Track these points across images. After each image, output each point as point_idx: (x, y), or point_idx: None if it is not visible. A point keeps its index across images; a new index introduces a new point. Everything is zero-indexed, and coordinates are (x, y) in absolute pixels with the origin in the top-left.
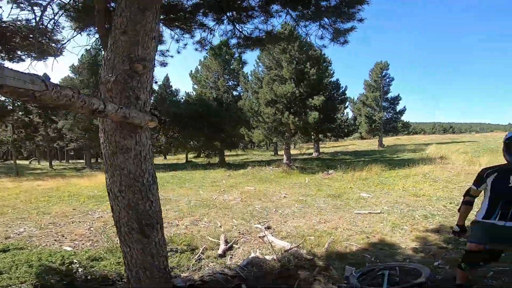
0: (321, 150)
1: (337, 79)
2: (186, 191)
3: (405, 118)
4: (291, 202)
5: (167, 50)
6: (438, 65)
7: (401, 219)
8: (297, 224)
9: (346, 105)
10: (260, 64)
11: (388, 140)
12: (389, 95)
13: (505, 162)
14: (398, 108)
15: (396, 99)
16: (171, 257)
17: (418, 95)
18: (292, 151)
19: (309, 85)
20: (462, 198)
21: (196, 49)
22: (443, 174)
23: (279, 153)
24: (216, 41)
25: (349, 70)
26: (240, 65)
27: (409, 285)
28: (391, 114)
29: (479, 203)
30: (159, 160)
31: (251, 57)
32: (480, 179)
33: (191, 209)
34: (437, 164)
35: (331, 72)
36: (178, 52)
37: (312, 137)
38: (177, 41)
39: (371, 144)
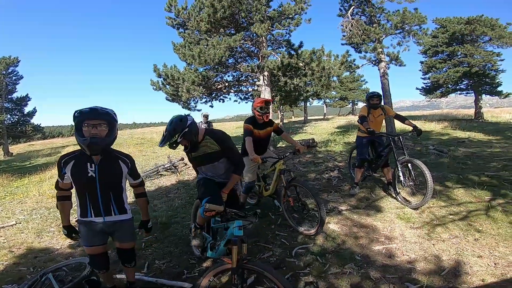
0: None
1: None
2: None
3: (38, 121)
4: None
5: None
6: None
7: (45, 223)
8: None
9: None
10: None
11: (19, 147)
12: (14, 95)
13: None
14: (27, 110)
15: (24, 99)
16: None
17: (60, 99)
18: None
19: None
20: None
21: None
22: None
23: None
24: None
25: None
26: None
27: (78, 280)
28: (17, 116)
29: None
30: None
31: None
32: (59, 169)
33: None
34: None
35: None
36: None
37: None
38: None
39: None
